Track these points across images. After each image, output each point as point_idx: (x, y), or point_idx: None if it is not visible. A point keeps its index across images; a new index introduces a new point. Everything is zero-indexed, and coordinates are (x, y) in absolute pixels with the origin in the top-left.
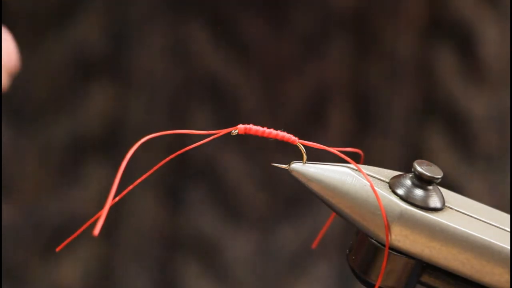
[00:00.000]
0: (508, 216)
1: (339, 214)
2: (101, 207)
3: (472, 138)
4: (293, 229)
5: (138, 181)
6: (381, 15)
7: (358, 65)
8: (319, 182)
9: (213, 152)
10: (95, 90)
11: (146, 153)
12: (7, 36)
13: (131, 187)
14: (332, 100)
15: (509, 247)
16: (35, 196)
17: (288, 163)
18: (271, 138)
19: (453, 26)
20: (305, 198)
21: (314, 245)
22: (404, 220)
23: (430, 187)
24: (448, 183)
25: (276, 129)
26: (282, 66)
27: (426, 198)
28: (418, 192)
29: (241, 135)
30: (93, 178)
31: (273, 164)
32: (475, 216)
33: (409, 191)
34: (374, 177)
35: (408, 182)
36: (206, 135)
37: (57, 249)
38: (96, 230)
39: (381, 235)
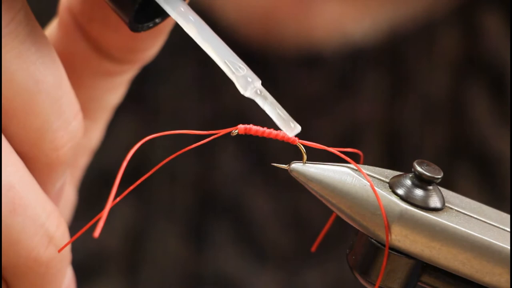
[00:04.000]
0: (508, 216)
1: (339, 214)
2: (125, 242)
3: (501, 180)
4: (318, 271)
5: (144, 177)
6: (415, 53)
7: (390, 103)
8: (319, 182)
9: (239, 191)
10: (121, 123)
11: (171, 188)
12: None
13: (135, 184)
14: (363, 137)
15: (509, 247)
16: None
17: (289, 164)
18: (271, 138)
19: (487, 66)
20: (331, 239)
21: (313, 248)
22: (404, 220)
23: (430, 187)
24: None
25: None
26: (313, 103)
27: (426, 198)
28: (418, 192)
29: (269, 176)
30: (117, 213)
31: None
32: (475, 216)
33: (409, 191)
34: (374, 177)
35: (408, 182)
36: (206, 135)
37: (59, 251)
38: (97, 232)
39: (381, 235)
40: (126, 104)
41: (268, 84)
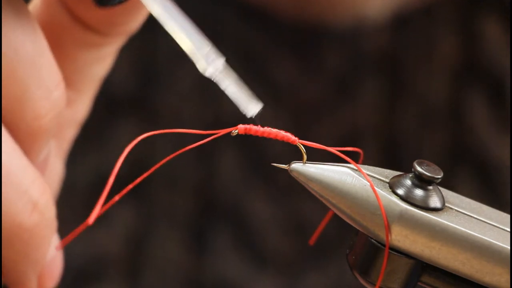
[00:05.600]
0: (508, 216)
1: (339, 214)
2: (126, 247)
3: (500, 187)
4: (319, 276)
5: (144, 175)
6: (414, 58)
7: (389, 108)
8: (319, 182)
9: (240, 196)
10: (122, 128)
11: (172, 192)
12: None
13: (136, 182)
14: (362, 142)
15: (509, 247)
16: (59, 236)
17: (289, 165)
18: (271, 140)
19: (486, 72)
20: (332, 244)
21: (311, 242)
22: (404, 220)
23: (430, 187)
24: None
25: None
26: (312, 107)
27: (426, 198)
28: (418, 192)
29: (269, 181)
30: (118, 218)
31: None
32: (475, 216)
33: (409, 191)
34: (374, 177)
35: (408, 182)
36: (206, 134)
37: (57, 248)
38: (91, 219)
39: (381, 235)
40: (127, 109)
41: (268, 90)
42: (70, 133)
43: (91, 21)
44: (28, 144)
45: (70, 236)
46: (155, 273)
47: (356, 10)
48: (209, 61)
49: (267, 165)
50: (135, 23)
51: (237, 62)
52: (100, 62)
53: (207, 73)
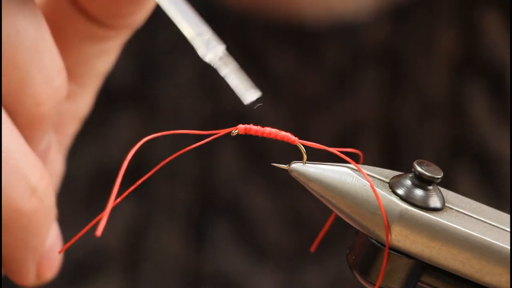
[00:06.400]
0: (508, 216)
1: (339, 214)
2: (125, 239)
3: (500, 180)
4: (318, 270)
5: (144, 178)
6: (414, 52)
7: (389, 101)
8: (319, 182)
9: (239, 189)
10: (121, 120)
11: (171, 185)
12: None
13: (135, 185)
14: (362, 136)
15: (509, 247)
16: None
17: (289, 164)
18: (271, 138)
19: (486, 65)
20: (331, 238)
21: (312, 249)
22: (404, 220)
23: (430, 187)
24: None
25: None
26: (312, 101)
27: (426, 198)
28: (418, 192)
29: (269, 175)
30: (118, 211)
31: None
32: (475, 216)
33: (409, 191)
34: (374, 177)
35: (408, 182)
36: (206, 135)
37: (59, 252)
38: (99, 231)
39: (381, 235)
40: (126, 102)
41: (267, 84)
42: (71, 128)
43: (95, 12)
44: (28, 131)
45: (73, 240)
46: (154, 265)
47: (333, 12)
48: (209, 47)
49: (267, 158)
50: (140, 15)
51: (236, 56)
52: (104, 56)
53: (207, 59)
